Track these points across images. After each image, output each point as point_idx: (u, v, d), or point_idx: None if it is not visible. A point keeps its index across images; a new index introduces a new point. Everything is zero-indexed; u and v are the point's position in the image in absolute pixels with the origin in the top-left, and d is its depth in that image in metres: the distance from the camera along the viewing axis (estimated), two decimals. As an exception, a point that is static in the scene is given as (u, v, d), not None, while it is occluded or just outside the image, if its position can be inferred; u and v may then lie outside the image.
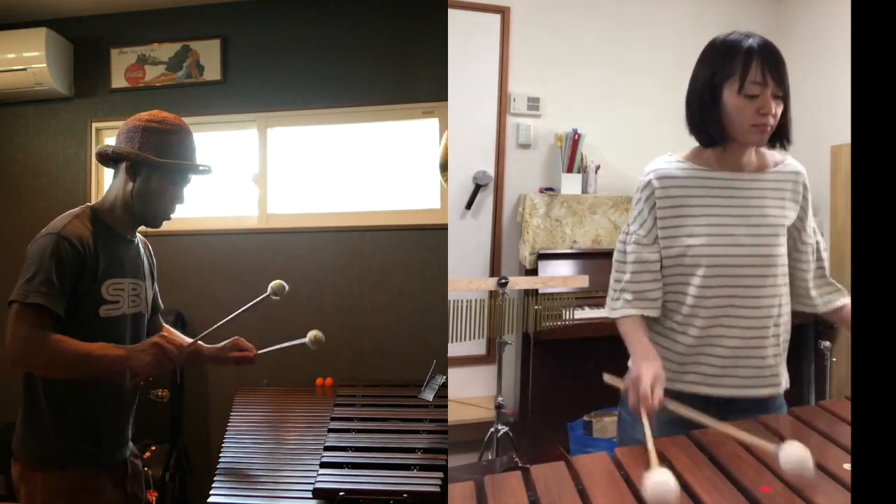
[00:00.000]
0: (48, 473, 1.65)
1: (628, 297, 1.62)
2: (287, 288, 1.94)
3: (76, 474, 1.67)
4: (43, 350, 1.54)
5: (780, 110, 1.51)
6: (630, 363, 1.55)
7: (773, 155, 1.65)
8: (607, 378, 1.57)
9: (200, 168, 1.80)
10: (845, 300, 1.69)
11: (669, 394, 1.56)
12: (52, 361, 1.56)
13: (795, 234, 1.65)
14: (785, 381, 1.66)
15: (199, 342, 1.86)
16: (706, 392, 1.59)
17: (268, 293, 1.92)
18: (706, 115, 1.54)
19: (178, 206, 1.80)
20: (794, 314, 1.69)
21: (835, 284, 1.71)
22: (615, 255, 1.70)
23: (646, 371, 1.44)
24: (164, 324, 2.03)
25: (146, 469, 2.96)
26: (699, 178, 1.59)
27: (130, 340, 1.76)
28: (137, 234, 1.84)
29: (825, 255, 1.71)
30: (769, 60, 1.47)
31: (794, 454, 1.22)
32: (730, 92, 1.49)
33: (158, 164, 1.72)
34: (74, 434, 1.67)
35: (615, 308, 1.65)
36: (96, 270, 1.66)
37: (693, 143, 1.64)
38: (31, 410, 1.68)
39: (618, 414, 1.76)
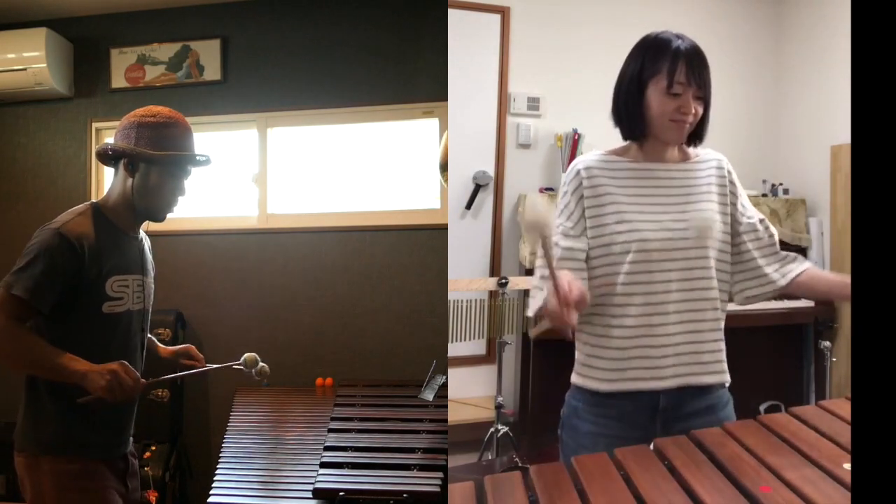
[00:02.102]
0: (54, 458, 1.65)
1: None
2: (260, 363, 2.00)
3: (80, 462, 1.67)
4: (10, 341, 1.58)
5: (700, 111, 1.56)
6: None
7: (692, 148, 1.67)
8: (534, 332, 1.50)
9: (198, 158, 1.80)
10: (802, 266, 1.62)
11: (612, 395, 1.55)
12: (15, 354, 1.60)
13: (731, 220, 1.63)
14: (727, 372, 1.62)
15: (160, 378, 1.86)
16: (651, 386, 1.55)
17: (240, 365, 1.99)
18: (630, 108, 1.58)
19: (180, 199, 1.81)
20: (793, 314, 1.68)
21: (789, 256, 1.64)
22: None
23: (561, 277, 1.38)
24: (150, 336, 2.02)
25: (146, 468, 2.97)
26: (626, 169, 1.60)
27: (137, 335, 1.79)
28: (141, 230, 1.85)
29: (770, 230, 1.65)
30: (695, 63, 1.52)
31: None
32: (654, 89, 1.54)
33: (155, 157, 1.73)
34: (77, 422, 1.67)
35: (535, 296, 1.56)
36: (100, 268, 1.67)
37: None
38: (32, 399, 1.68)
39: (559, 436, 1.71)
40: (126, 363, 1.63)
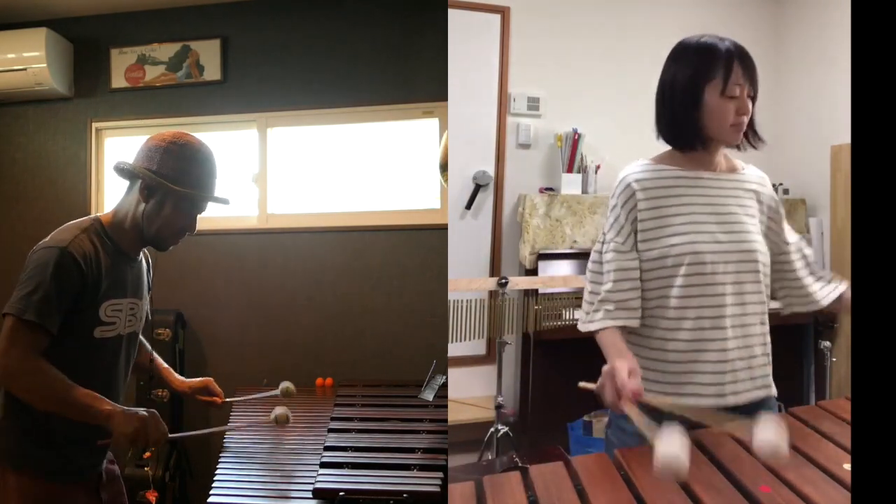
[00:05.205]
0: (22, 476, 1.60)
1: (609, 307, 1.55)
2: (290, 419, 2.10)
3: (52, 485, 1.63)
4: (31, 377, 1.52)
5: (751, 111, 1.55)
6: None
7: (737, 160, 1.67)
8: (582, 385, 1.49)
9: (217, 199, 1.78)
10: (841, 289, 1.67)
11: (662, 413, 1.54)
12: (36, 390, 1.54)
13: (774, 237, 1.65)
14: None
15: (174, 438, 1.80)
16: (710, 403, 1.52)
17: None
18: (686, 116, 1.55)
19: (187, 235, 1.77)
20: (793, 314, 1.69)
21: (828, 275, 1.69)
22: (590, 266, 1.64)
23: (620, 364, 1.39)
24: (153, 352, 1.97)
25: (146, 469, 2.97)
26: (675, 178, 1.58)
27: (124, 359, 1.74)
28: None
29: (808, 250, 1.70)
30: (747, 63, 1.52)
31: (767, 440, 1.21)
32: (712, 93, 1.51)
33: (174, 191, 1.68)
34: (56, 446, 1.63)
35: (594, 320, 1.57)
36: (97, 291, 1.62)
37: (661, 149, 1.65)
38: (11, 411, 1.63)
39: (605, 435, 1.71)
40: (156, 413, 1.59)
